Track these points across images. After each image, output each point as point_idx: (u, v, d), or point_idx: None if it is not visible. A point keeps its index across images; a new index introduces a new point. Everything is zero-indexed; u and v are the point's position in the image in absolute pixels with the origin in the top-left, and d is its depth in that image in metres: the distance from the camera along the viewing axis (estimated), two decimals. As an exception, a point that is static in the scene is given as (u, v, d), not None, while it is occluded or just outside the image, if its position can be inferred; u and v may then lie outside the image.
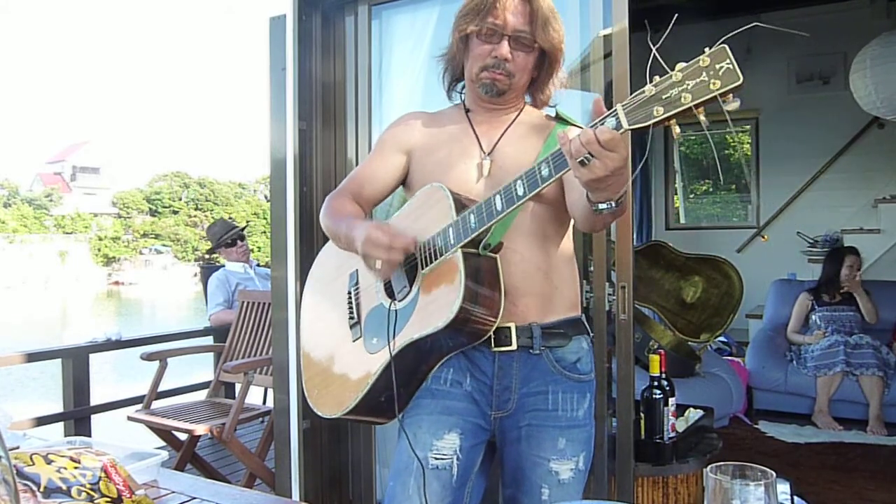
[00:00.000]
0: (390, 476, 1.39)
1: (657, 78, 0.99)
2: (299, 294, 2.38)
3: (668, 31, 1.02)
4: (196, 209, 49.19)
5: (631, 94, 1.01)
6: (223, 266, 4.24)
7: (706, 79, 0.95)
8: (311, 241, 2.47)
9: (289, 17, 2.45)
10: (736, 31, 1.00)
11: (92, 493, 0.97)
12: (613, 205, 1.12)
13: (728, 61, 0.94)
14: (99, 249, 44.59)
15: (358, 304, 1.42)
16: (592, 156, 1.03)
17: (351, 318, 1.42)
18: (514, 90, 1.39)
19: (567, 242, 1.43)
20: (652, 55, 1.00)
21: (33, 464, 0.96)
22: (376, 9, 2.59)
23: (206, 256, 43.03)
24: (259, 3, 2.59)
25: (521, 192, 1.16)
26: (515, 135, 1.40)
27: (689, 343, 3.85)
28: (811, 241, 5.57)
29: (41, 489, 0.94)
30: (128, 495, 1.00)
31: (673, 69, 0.98)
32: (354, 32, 2.60)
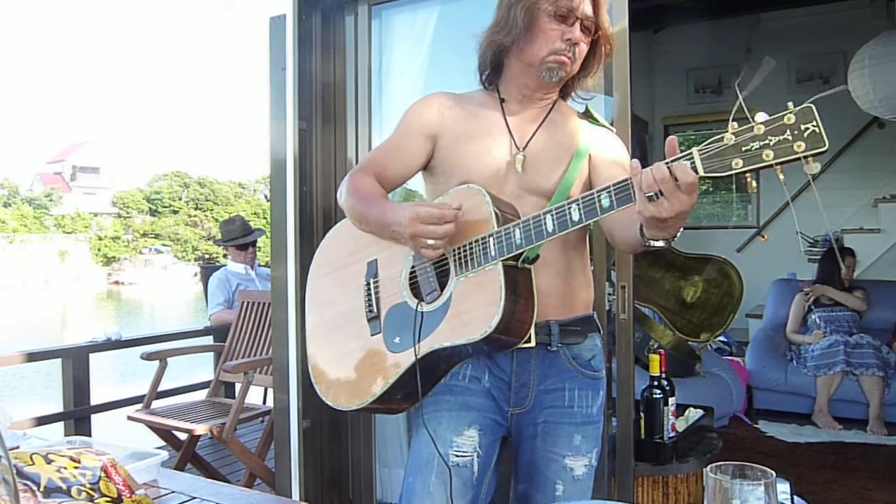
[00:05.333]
0: (408, 472, 1.37)
1: (735, 125, 0.95)
2: (299, 294, 2.38)
3: (761, 79, 0.99)
4: (196, 209, 49.17)
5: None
6: (224, 266, 4.25)
7: (790, 138, 0.92)
8: (311, 241, 2.47)
9: (289, 17, 2.45)
10: (825, 94, 0.97)
11: (92, 492, 0.97)
12: (669, 243, 1.10)
13: (814, 123, 0.91)
14: (99, 249, 44.57)
15: (377, 298, 1.36)
16: (662, 193, 0.99)
17: (369, 311, 1.37)
18: (567, 78, 1.37)
19: (584, 245, 1.42)
20: (738, 103, 0.97)
21: (33, 463, 0.96)
22: (376, 9, 2.59)
23: (206, 256, 43.12)
24: (259, 3, 2.59)
25: (576, 218, 1.12)
26: (549, 131, 1.38)
27: (689, 343, 3.85)
28: (811, 241, 5.58)
29: (41, 489, 0.94)
30: (128, 495, 1.00)
31: (740, 90, 0.96)
32: (354, 32, 2.60)
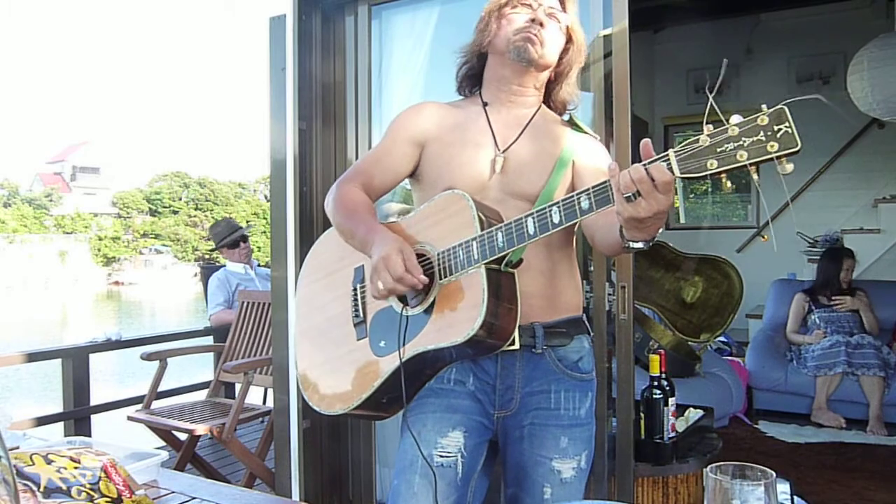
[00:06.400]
0: (394, 474, 1.38)
1: (711, 128, 0.97)
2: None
3: (720, 78, 1.00)
4: (196, 209, 49.19)
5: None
6: (223, 266, 4.25)
7: (763, 139, 0.93)
8: (311, 241, 2.45)
9: (289, 17, 2.46)
10: (799, 98, 0.98)
11: (92, 493, 0.97)
12: (648, 245, 1.11)
13: (787, 124, 0.92)
14: (99, 249, 44.60)
15: (364, 303, 1.38)
16: (640, 194, 1.01)
17: (356, 315, 1.38)
18: (540, 67, 1.38)
19: (571, 247, 1.43)
20: (709, 104, 0.98)
21: (33, 464, 0.96)
22: (376, 9, 2.59)
23: (206, 256, 43.15)
24: (259, 3, 2.59)
25: (556, 220, 1.14)
26: (531, 136, 1.40)
27: (689, 343, 3.85)
28: (811, 241, 5.58)
29: (41, 489, 0.94)
30: (128, 495, 1.00)
31: (710, 95, 0.96)
32: (354, 32, 2.60)
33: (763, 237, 5.94)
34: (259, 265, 4.33)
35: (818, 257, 4.67)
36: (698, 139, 0.98)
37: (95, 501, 0.97)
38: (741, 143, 0.95)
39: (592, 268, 2.16)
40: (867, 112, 4.34)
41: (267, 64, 2.51)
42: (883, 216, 5.49)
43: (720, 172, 0.97)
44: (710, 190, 7.05)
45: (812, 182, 5.83)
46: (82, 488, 0.97)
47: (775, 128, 0.93)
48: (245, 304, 3.58)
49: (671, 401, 2.37)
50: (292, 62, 2.45)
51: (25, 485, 0.93)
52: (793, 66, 5.86)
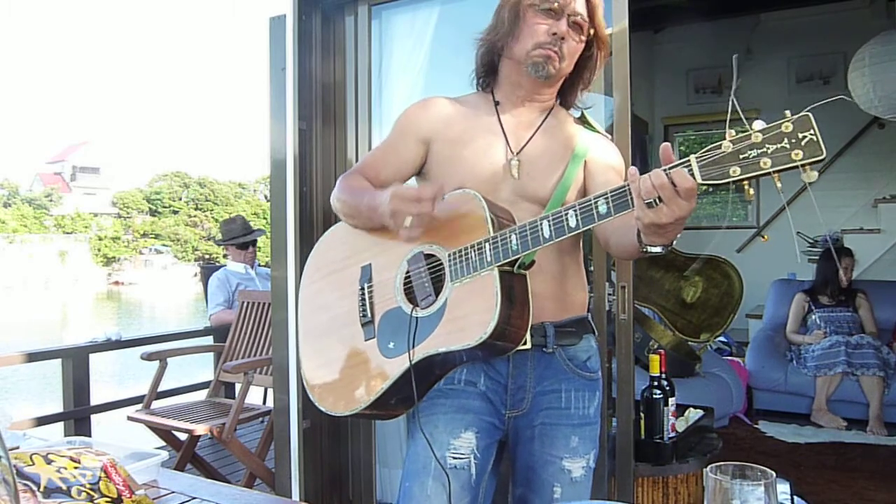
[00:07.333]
0: (405, 477, 1.36)
1: (733, 133, 0.95)
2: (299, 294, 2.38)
3: (735, 75, 0.99)
4: (196, 209, 49.18)
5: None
6: (224, 266, 4.25)
7: (787, 146, 0.91)
8: (311, 241, 2.47)
9: (289, 17, 2.46)
10: (823, 102, 0.96)
11: (92, 493, 0.97)
12: (666, 249, 1.09)
13: (812, 131, 0.90)
14: (99, 249, 44.59)
15: (371, 303, 1.35)
16: (661, 200, 0.99)
17: (363, 315, 1.35)
18: (558, 78, 1.36)
19: (579, 248, 1.42)
20: (731, 103, 0.96)
21: (33, 464, 0.96)
22: (376, 9, 2.59)
23: (206, 256, 43.15)
24: (259, 3, 2.59)
25: (573, 224, 1.11)
26: (545, 137, 1.37)
27: (689, 343, 3.85)
28: (811, 241, 5.58)
29: (41, 489, 0.94)
30: (128, 495, 1.00)
31: (729, 90, 0.96)
32: (354, 32, 2.60)
33: (763, 237, 5.94)
34: (259, 265, 4.34)
35: (818, 257, 4.67)
36: (720, 145, 0.95)
37: (95, 501, 0.97)
38: (765, 150, 0.93)
39: (592, 268, 2.16)
40: (868, 110, 4.34)
41: (267, 64, 2.51)
42: (883, 216, 5.50)
43: (743, 180, 0.95)
44: (709, 190, 7.04)
45: (812, 182, 5.82)
46: (82, 488, 0.97)
47: (799, 135, 0.91)
48: (245, 304, 3.58)
49: (671, 401, 2.37)
50: (292, 62, 2.45)
51: (25, 485, 0.93)
52: (793, 67, 5.86)
